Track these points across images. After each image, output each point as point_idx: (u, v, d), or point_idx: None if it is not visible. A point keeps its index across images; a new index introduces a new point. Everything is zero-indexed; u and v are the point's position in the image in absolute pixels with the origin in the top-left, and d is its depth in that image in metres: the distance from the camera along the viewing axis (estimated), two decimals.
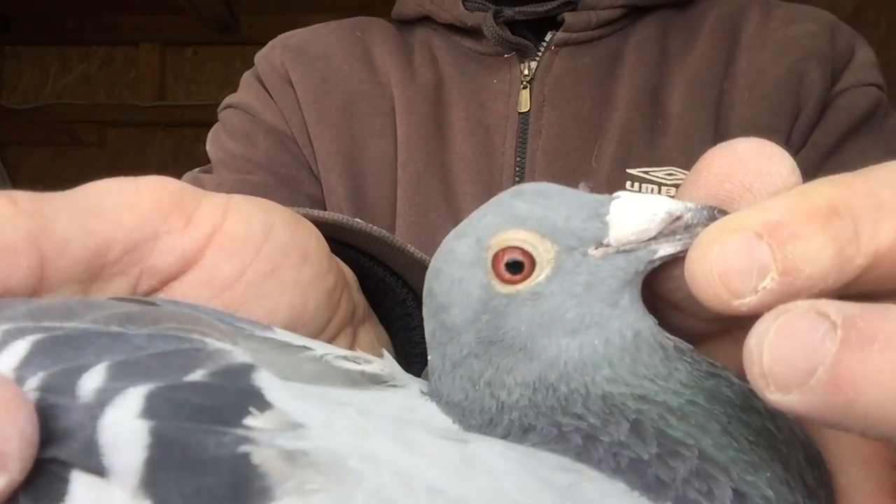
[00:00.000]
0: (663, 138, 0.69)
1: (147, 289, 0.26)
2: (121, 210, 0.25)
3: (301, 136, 0.75)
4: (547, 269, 0.23)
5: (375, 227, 0.33)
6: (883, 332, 0.16)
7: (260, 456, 0.18)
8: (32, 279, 0.22)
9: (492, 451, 0.20)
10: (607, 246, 0.23)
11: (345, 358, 0.23)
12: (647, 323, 0.24)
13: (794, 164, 0.22)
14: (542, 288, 0.23)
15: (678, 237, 0.22)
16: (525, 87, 0.71)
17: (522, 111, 0.71)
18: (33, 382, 0.19)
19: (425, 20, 0.78)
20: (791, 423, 0.22)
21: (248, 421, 0.18)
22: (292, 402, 0.19)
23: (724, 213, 0.22)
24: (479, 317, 0.24)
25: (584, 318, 0.23)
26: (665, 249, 0.23)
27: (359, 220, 0.33)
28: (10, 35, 3.17)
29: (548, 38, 0.73)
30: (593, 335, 0.23)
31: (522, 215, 0.24)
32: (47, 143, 3.19)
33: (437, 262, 0.25)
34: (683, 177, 0.64)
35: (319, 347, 0.23)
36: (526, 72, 0.72)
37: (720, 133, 0.69)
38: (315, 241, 0.29)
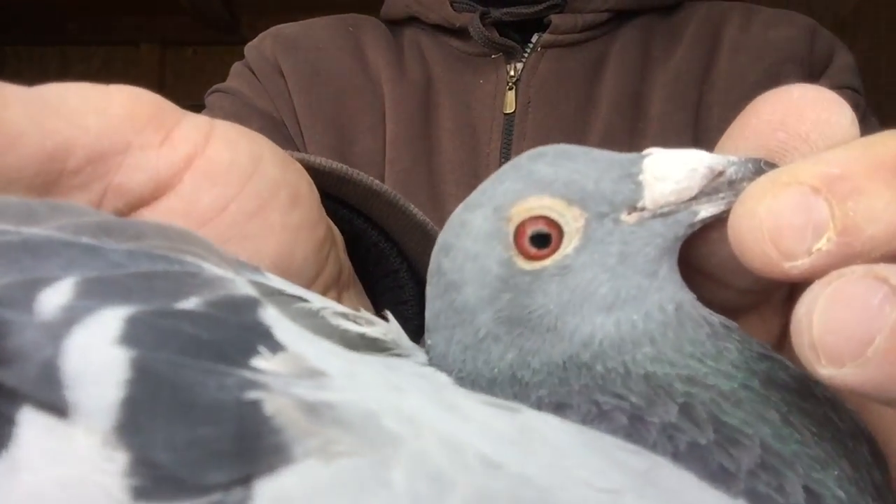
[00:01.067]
0: (643, 141, 0.69)
1: (111, 210, 0.21)
2: (86, 112, 0.21)
3: (292, 126, 0.76)
4: (576, 240, 0.21)
5: (377, 181, 0.30)
6: None
7: (273, 405, 0.14)
8: None
9: (548, 424, 0.17)
10: (642, 210, 0.21)
11: (344, 315, 0.19)
12: (689, 296, 0.21)
13: (855, 116, 0.20)
14: (571, 261, 0.21)
15: (721, 195, 0.20)
16: (511, 89, 0.72)
17: (508, 112, 0.71)
18: None
19: (413, 20, 0.78)
20: (854, 413, 0.20)
21: (257, 362, 0.14)
22: (308, 346, 0.16)
23: (773, 165, 0.20)
24: (499, 296, 0.21)
25: (619, 292, 0.20)
26: (707, 210, 0.20)
27: (359, 172, 0.30)
28: (10, 35, 3.17)
29: (534, 39, 0.73)
30: (631, 310, 0.20)
31: (546, 179, 0.21)
32: None
33: (447, 237, 0.22)
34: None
35: (316, 300, 0.19)
36: (512, 73, 0.72)
37: (698, 136, 0.70)
38: (307, 185, 0.27)
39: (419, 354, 0.22)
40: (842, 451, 0.19)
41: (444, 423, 0.15)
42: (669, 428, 0.18)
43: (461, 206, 0.23)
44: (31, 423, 0.13)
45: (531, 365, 0.20)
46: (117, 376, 0.13)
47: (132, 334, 0.14)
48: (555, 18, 0.73)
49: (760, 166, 0.20)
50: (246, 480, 0.13)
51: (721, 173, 0.20)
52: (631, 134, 0.70)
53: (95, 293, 0.14)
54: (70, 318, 0.14)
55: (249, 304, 0.16)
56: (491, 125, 0.71)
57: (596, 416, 0.19)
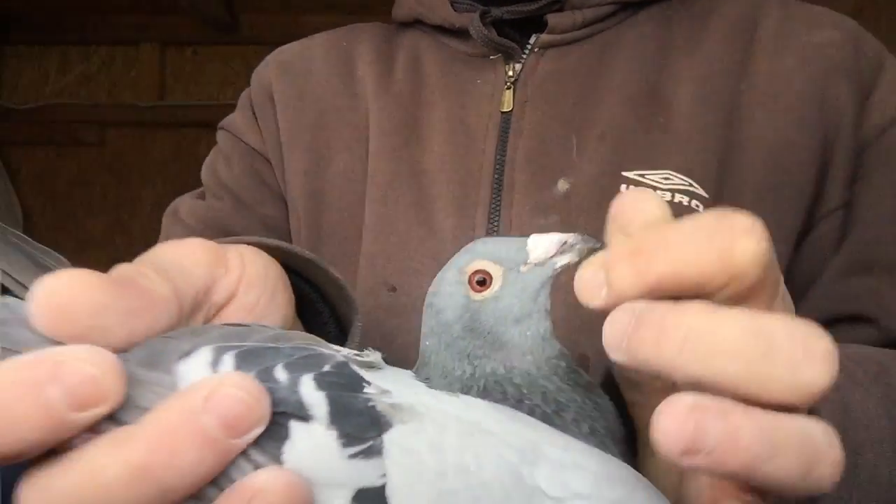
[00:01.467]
0: (663, 136, 0.66)
1: (210, 317, 0.37)
2: (194, 269, 0.36)
3: (275, 156, 0.77)
4: (499, 282, 0.38)
5: (304, 251, 0.45)
6: (654, 319, 0.29)
7: (381, 406, 0.31)
8: (176, 318, 0.33)
9: (480, 403, 0.35)
10: (529, 264, 0.38)
11: (357, 354, 0.35)
12: (548, 324, 0.38)
13: (665, 207, 0.33)
14: (497, 293, 0.38)
15: (566, 254, 0.37)
16: (509, 88, 0.71)
17: (505, 111, 0.70)
18: None
19: (418, 23, 0.78)
20: (607, 400, 0.38)
21: (366, 390, 0.32)
22: (375, 379, 0.33)
23: (594, 240, 0.37)
24: (463, 314, 0.38)
25: (522, 310, 0.38)
26: (560, 261, 0.37)
27: (293, 246, 0.45)
28: (11, 35, 3.17)
29: (532, 40, 0.71)
30: (526, 325, 0.38)
31: (482, 252, 0.39)
32: (47, 143, 3.20)
33: (435, 286, 0.40)
34: (681, 181, 0.63)
35: (340, 350, 0.36)
36: (510, 73, 0.71)
37: (736, 140, 0.65)
38: (281, 271, 0.43)
39: (392, 368, 0.37)
40: (600, 416, 0.37)
41: (442, 405, 0.33)
42: (534, 406, 0.36)
43: (442, 269, 0.41)
44: (295, 426, 0.30)
45: (479, 356, 0.38)
46: (323, 402, 0.30)
47: (319, 384, 0.31)
48: (551, 18, 0.71)
49: (589, 240, 0.37)
50: (380, 434, 0.30)
51: (565, 243, 0.37)
52: (648, 131, 0.66)
53: (293, 370, 0.31)
54: (293, 383, 0.31)
55: (345, 365, 0.33)
56: (488, 123, 0.70)
57: (500, 398, 0.36)
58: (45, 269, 0.30)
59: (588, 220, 0.64)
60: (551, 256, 0.37)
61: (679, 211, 0.59)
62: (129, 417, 0.26)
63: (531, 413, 0.35)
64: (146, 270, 0.32)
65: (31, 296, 0.27)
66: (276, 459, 0.28)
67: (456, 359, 0.38)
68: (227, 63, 3.26)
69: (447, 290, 0.39)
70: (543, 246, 0.38)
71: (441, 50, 0.75)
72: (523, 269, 0.38)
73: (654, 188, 0.63)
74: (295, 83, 0.78)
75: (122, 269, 0.32)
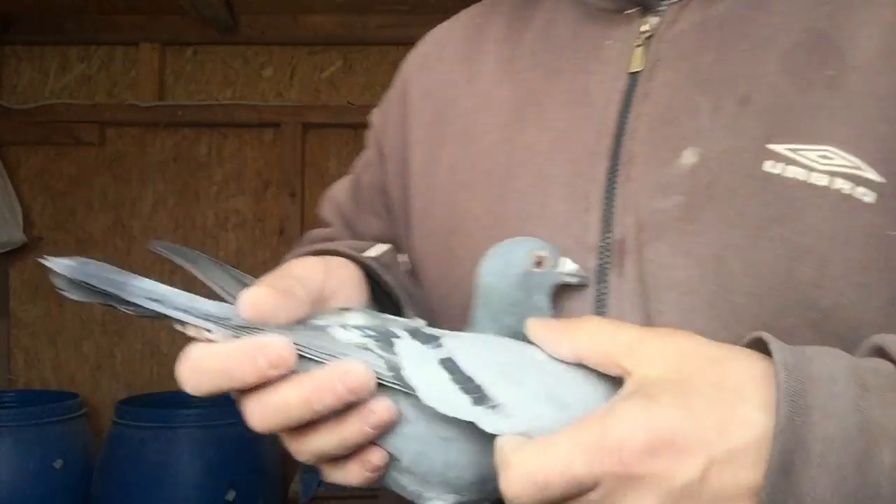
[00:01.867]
0: (829, 97, 0.53)
1: (322, 306, 0.53)
2: (315, 277, 0.54)
3: (397, 155, 0.75)
4: (548, 266, 0.54)
5: (365, 257, 0.63)
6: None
7: (433, 332, 0.50)
8: (310, 309, 0.51)
9: (506, 340, 0.52)
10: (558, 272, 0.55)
11: (412, 321, 0.53)
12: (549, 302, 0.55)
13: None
14: (542, 274, 0.54)
15: (574, 279, 0.56)
16: (640, 46, 0.61)
17: (633, 71, 0.60)
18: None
19: None
20: None
21: (423, 330, 0.51)
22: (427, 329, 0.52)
23: (586, 280, 0.57)
24: (524, 271, 0.53)
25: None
26: (568, 280, 0.55)
27: (358, 256, 0.62)
28: (10, 35, 3.17)
29: None
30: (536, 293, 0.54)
31: (542, 245, 0.55)
32: (47, 142, 3.20)
33: (504, 249, 0.55)
34: (845, 162, 0.50)
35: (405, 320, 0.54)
36: (645, 28, 0.61)
37: None
38: (358, 275, 0.60)
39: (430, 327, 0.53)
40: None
41: (464, 335, 0.52)
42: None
43: (495, 251, 0.56)
44: (395, 340, 0.49)
45: (510, 296, 0.53)
46: (406, 332, 0.50)
47: (412, 337, 0.50)
48: None
49: (586, 280, 0.57)
50: (438, 340, 0.49)
51: (577, 271, 0.56)
52: (808, 93, 0.54)
53: (426, 340, 0.50)
54: (386, 324, 0.51)
55: (421, 328, 0.52)
56: (612, 88, 0.61)
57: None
58: (244, 285, 0.50)
59: (717, 207, 0.53)
60: (570, 273, 0.55)
61: (838, 203, 0.50)
62: (301, 367, 0.46)
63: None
64: (294, 283, 0.51)
65: (239, 301, 0.48)
66: (392, 353, 0.47)
67: (499, 300, 0.53)
68: (227, 63, 3.26)
69: (520, 258, 0.53)
70: (569, 267, 0.55)
71: (577, 7, 0.67)
72: (556, 271, 0.54)
73: (807, 168, 0.51)
74: (422, 76, 0.75)
75: (280, 283, 0.50)
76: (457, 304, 0.61)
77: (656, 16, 0.61)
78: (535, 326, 0.50)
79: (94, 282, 0.47)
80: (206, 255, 0.53)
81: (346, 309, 0.53)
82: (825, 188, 0.50)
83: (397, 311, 0.61)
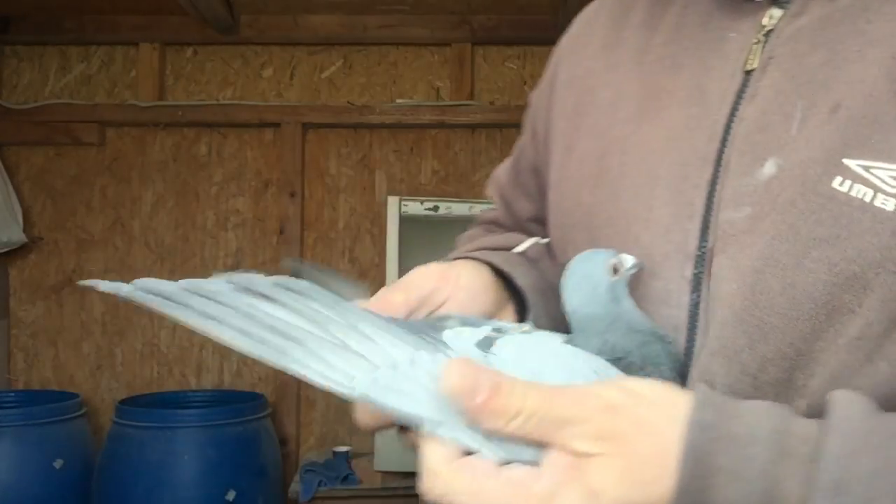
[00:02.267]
0: None
1: (433, 309, 0.59)
2: (424, 284, 0.59)
3: (542, 141, 0.75)
4: (622, 274, 0.56)
5: (493, 257, 0.66)
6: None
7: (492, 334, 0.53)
8: (405, 313, 0.57)
9: (559, 344, 0.54)
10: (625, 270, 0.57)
11: (518, 325, 0.58)
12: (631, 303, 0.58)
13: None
14: (620, 281, 0.56)
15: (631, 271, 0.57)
16: (758, 43, 0.57)
17: (749, 69, 0.57)
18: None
19: None
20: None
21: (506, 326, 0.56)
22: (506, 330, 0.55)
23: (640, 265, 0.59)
24: (608, 281, 0.55)
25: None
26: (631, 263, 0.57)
27: (488, 256, 0.66)
28: (10, 35, 3.17)
29: None
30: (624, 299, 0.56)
31: (607, 253, 0.57)
32: (47, 142, 3.19)
33: (580, 271, 0.57)
34: None
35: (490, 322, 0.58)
36: (766, 21, 0.57)
37: None
38: (487, 278, 0.65)
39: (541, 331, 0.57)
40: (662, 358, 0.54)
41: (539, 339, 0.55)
42: (614, 339, 0.55)
43: (580, 259, 0.58)
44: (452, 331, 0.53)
45: (607, 313, 0.55)
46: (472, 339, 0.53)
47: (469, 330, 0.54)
48: None
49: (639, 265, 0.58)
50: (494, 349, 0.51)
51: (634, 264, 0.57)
52: None
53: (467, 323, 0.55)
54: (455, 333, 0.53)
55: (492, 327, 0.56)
56: (727, 87, 0.57)
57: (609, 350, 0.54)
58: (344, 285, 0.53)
59: (774, 220, 0.51)
60: (634, 266, 0.56)
61: (880, 230, 0.47)
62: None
63: (601, 352, 0.53)
64: (394, 288, 0.58)
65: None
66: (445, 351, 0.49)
67: (599, 314, 0.55)
68: (227, 63, 3.26)
69: (600, 270, 0.56)
70: (630, 261, 0.56)
71: None
72: (627, 270, 0.56)
73: (874, 189, 0.48)
74: (568, 62, 0.74)
75: (384, 291, 0.57)
76: None
77: (781, 7, 0.57)
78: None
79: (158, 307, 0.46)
80: (326, 270, 0.52)
81: (445, 317, 0.56)
82: (889, 213, 0.47)
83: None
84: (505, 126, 3.23)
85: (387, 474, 2.69)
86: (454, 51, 3.23)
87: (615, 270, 0.55)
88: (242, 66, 3.26)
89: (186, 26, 3.12)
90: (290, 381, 3.15)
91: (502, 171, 0.86)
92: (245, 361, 3.23)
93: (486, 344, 0.50)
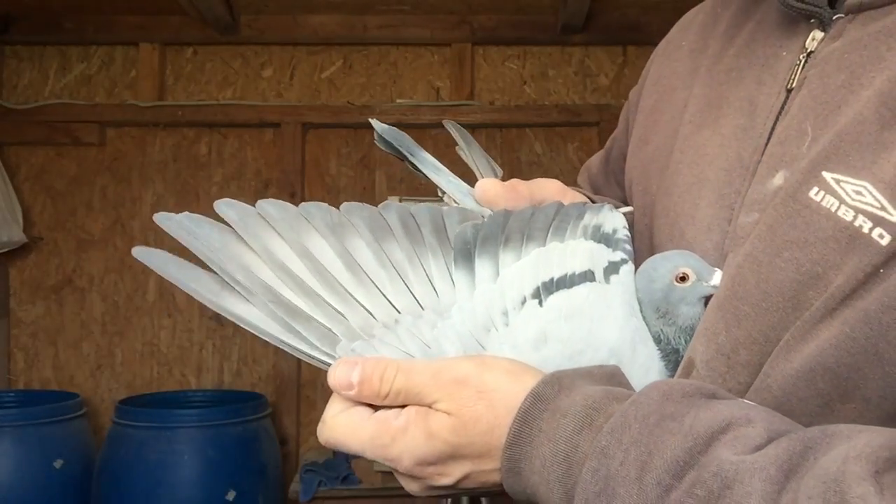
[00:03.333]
0: None
1: None
2: (546, 188, 0.69)
3: (624, 144, 0.82)
4: (690, 283, 0.60)
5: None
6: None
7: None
8: (528, 203, 0.65)
9: (626, 312, 0.61)
10: (708, 284, 0.60)
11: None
12: (699, 312, 0.61)
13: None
14: (686, 289, 0.60)
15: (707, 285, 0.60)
16: (799, 63, 0.61)
17: (790, 88, 0.61)
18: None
19: None
20: None
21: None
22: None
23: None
24: (666, 285, 0.60)
25: (691, 302, 0.61)
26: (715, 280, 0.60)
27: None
28: (10, 35, 3.17)
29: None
30: (690, 309, 0.60)
31: (690, 264, 0.60)
32: (47, 142, 3.20)
33: (655, 271, 0.61)
34: (872, 201, 0.51)
35: None
36: (808, 42, 0.61)
37: None
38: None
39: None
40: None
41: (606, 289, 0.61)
42: (667, 338, 0.61)
43: (662, 260, 0.62)
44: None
45: (660, 313, 0.61)
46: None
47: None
48: None
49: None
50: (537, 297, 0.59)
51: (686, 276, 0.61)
52: (891, 119, 0.53)
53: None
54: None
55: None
56: (773, 103, 0.61)
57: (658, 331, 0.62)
58: (493, 173, 0.71)
59: (765, 231, 0.56)
60: (713, 285, 0.59)
61: (853, 239, 0.51)
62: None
63: (659, 339, 0.61)
64: (523, 184, 0.65)
65: (476, 185, 0.65)
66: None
67: (650, 310, 0.61)
68: (227, 63, 3.26)
69: (663, 274, 0.60)
70: (718, 279, 0.59)
71: (775, 10, 0.66)
72: (704, 284, 0.59)
73: (839, 201, 0.52)
74: (661, 65, 0.80)
75: (514, 181, 0.65)
76: None
77: (823, 31, 0.61)
78: None
79: (397, 145, 0.69)
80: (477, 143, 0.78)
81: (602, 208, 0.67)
82: (848, 223, 0.51)
83: None
84: (505, 126, 3.23)
85: (387, 474, 2.69)
86: (454, 51, 3.23)
87: (683, 278, 0.59)
88: (242, 66, 3.26)
89: (186, 26, 3.12)
90: (290, 381, 3.16)
91: (595, 159, 0.94)
92: (245, 361, 3.23)
93: (610, 270, 0.61)
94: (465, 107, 3.17)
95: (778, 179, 0.57)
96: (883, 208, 0.50)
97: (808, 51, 0.61)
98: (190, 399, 3.02)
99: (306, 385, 3.20)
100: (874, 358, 0.49)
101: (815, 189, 0.53)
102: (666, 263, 0.61)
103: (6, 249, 3.05)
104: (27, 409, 2.73)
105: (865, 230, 0.50)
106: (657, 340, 0.61)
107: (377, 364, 0.54)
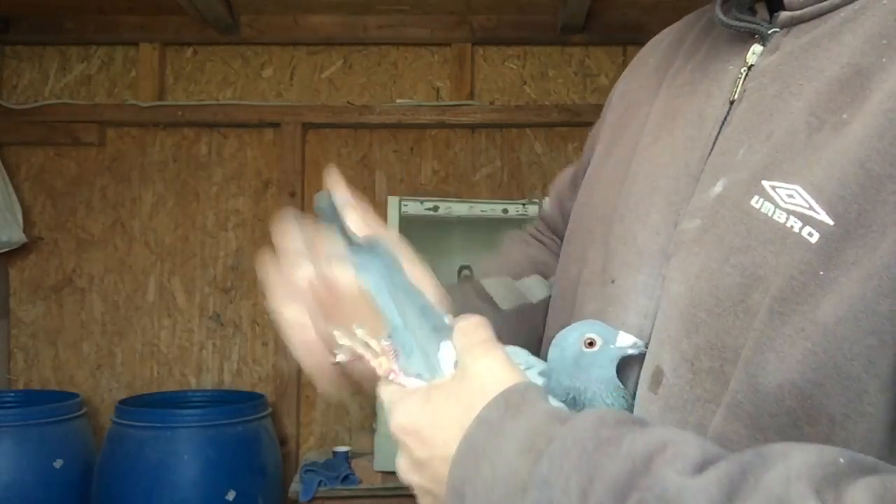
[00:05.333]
0: (827, 140, 0.55)
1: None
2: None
3: (588, 157, 0.84)
4: (598, 348, 0.62)
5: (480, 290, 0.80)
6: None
7: None
8: None
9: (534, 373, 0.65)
10: (615, 346, 0.62)
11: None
12: (612, 374, 0.63)
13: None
14: (595, 353, 0.62)
15: (632, 350, 0.62)
16: (740, 76, 0.64)
17: (733, 100, 0.64)
18: None
19: None
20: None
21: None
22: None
23: (644, 349, 0.64)
24: (576, 356, 0.62)
25: (603, 365, 0.63)
26: (629, 352, 0.62)
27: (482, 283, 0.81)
28: (10, 35, 3.17)
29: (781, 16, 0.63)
30: (600, 371, 0.62)
31: (596, 330, 0.63)
32: (47, 142, 3.20)
33: (563, 339, 0.64)
34: (801, 202, 0.53)
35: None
36: (749, 56, 0.64)
37: None
38: None
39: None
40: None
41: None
42: (578, 398, 0.62)
43: (569, 330, 0.64)
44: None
45: (570, 377, 0.62)
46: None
47: None
48: None
49: (643, 349, 0.63)
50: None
51: (635, 343, 0.63)
52: (819, 126, 0.56)
53: None
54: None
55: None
56: (718, 115, 0.65)
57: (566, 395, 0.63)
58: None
59: (713, 234, 0.59)
60: (626, 347, 0.61)
61: (786, 239, 0.53)
62: None
63: (574, 401, 0.61)
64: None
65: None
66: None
67: (563, 374, 0.62)
68: (227, 63, 3.26)
69: (572, 342, 0.63)
70: (625, 341, 0.61)
71: (718, 26, 0.69)
72: (611, 346, 0.61)
73: (775, 205, 0.55)
74: (628, 81, 0.82)
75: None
76: (570, 284, 0.74)
77: (762, 45, 0.64)
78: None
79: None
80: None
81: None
82: (781, 224, 0.54)
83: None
84: (505, 126, 3.23)
85: (387, 474, 2.69)
86: (454, 51, 3.23)
87: (591, 344, 0.62)
88: (242, 66, 3.26)
89: (186, 26, 3.12)
90: (290, 381, 3.16)
91: (563, 175, 0.95)
92: (245, 361, 3.23)
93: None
94: (465, 107, 3.17)
95: (718, 187, 0.60)
96: (811, 208, 0.53)
97: (749, 64, 0.64)
98: (190, 399, 3.02)
99: (306, 385, 3.20)
100: (834, 372, 0.50)
101: (756, 197, 0.56)
102: (573, 333, 0.63)
103: (6, 249, 3.04)
104: (27, 409, 2.73)
105: (796, 230, 0.53)
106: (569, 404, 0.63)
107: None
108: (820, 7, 0.60)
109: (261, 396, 2.94)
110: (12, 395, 3.02)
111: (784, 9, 0.63)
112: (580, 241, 0.75)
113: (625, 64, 3.27)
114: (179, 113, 3.14)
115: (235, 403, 2.84)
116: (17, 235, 3.05)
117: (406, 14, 3.15)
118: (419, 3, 3.07)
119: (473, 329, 0.61)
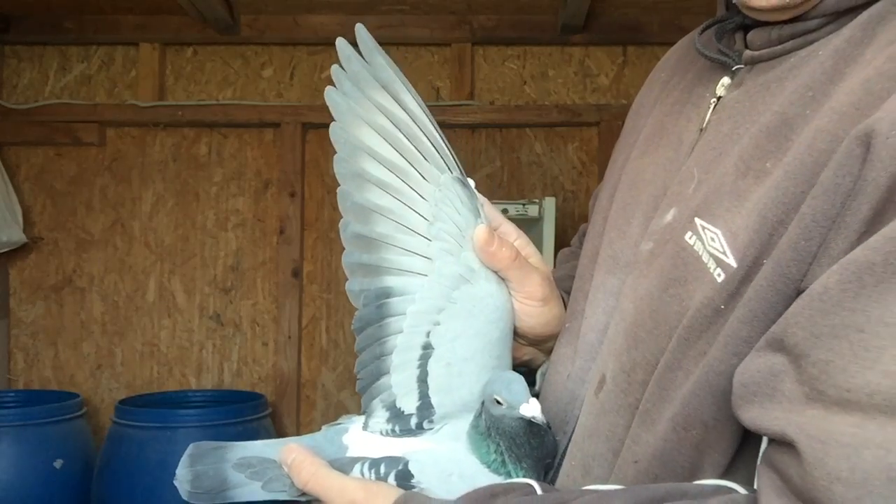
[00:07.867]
0: (749, 187, 0.58)
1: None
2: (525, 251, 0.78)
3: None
4: (503, 408, 0.66)
5: None
6: None
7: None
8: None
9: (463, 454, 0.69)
10: (519, 412, 0.65)
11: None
12: (520, 424, 0.68)
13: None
14: (503, 411, 0.66)
15: (538, 417, 0.65)
16: (710, 106, 0.68)
17: (702, 129, 0.68)
18: None
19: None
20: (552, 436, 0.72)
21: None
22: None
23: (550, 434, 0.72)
24: (491, 411, 0.67)
25: (511, 422, 0.67)
26: (534, 419, 0.66)
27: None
28: (10, 35, 3.17)
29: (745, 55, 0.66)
30: (510, 424, 0.67)
31: (502, 392, 0.66)
32: (47, 142, 3.20)
33: (486, 387, 0.68)
34: (718, 246, 0.58)
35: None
36: (718, 88, 0.68)
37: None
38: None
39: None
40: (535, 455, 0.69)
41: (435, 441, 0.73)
42: (497, 442, 0.69)
43: (487, 388, 0.68)
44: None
45: (485, 425, 0.69)
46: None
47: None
48: (751, 34, 0.65)
49: (544, 425, 0.69)
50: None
51: (535, 417, 0.65)
52: (745, 172, 0.59)
53: None
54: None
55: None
56: (690, 139, 0.69)
57: (484, 437, 0.69)
58: None
59: (657, 261, 0.64)
60: (527, 416, 0.64)
61: (703, 276, 0.59)
62: None
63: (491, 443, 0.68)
64: (509, 247, 0.72)
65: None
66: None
67: (482, 420, 0.68)
68: (227, 63, 3.26)
69: (488, 393, 0.66)
70: (531, 411, 0.64)
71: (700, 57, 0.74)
72: (517, 410, 0.64)
73: (703, 245, 0.60)
74: (642, 95, 0.85)
75: (504, 242, 0.73)
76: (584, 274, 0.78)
77: (731, 77, 0.68)
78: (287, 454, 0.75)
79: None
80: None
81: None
82: (704, 265, 0.59)
83: None
84: (505, 126, 3.23)
85: None
86: (454, 51, 3.23)
87: (498, 402, 0.65)
88: (242, 66, 3.26)
89: (186, 26, 3.12)
90: (291, 381, 3.15)
91: (603, 183, 1.01)
92: (245, 361, 3.23)
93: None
94: (465, 107, 3.17)
95: (669, 216, 0.65)
96: (724, 253, 0.58)
97: (718, 95, 0.68)
98: (190, 399, 3.02)
99: (306, 385, 3.20)
100: (707, 386, 0.57)
101: (689, 233, 0.61)
102: (493, 383, 0.67)
103: (6, 249, 3.04)
104: (27, 409, 2.73)
105: (711, 269, 0.58)
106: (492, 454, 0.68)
107: (309, 459, 0.72)
108: (773, 51, 0.64)
109: (261, 396, 2.94)
110: (12, 395, 3.02)
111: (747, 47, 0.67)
112: (589, 236, 0.81)
113: (625, 64, 3.27)
114: (179, 113, 3.14)
115: (235, 403, 2.84)
116: (17, 235, 3.05)
117: (406, 14, 3.15)
118: (419, 3, 3.07)
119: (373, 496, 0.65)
